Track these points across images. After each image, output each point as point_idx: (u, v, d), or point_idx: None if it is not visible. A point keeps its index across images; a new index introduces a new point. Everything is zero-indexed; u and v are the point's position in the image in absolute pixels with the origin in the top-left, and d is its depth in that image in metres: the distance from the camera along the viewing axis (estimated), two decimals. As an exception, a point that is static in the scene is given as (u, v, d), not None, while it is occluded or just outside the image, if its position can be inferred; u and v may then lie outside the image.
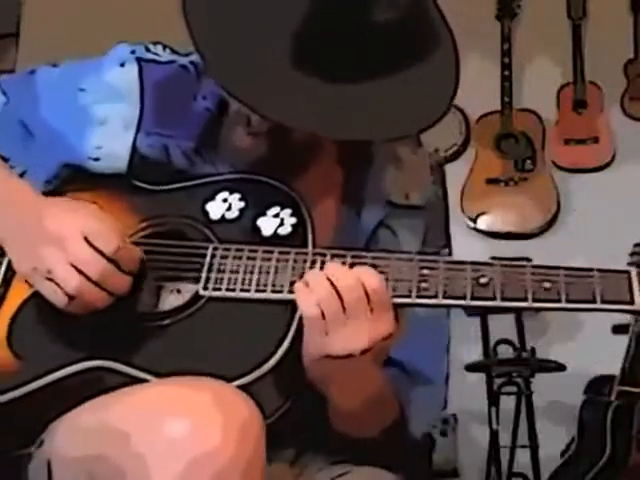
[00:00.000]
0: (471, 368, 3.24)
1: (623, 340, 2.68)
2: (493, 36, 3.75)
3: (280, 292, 1.05)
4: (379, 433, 1.16)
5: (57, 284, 1.04)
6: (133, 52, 1.26)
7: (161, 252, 1.13)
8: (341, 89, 1.07)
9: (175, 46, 1.30)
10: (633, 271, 1.00)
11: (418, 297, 1.03)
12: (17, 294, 1.13)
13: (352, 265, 1.04)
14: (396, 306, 1.03)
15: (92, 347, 1.07)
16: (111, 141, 1.22)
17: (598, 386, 2.86)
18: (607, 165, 3.61)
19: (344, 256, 1.06)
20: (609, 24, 3.68)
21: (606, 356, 2.74)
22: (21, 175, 1.24)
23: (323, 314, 0.99)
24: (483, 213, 3.64)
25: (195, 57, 1.24)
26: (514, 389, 3.21)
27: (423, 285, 1.03)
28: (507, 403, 3.22)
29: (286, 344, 1.03)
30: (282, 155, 1.18)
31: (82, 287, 1.03)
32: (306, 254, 1.07)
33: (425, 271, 1.04)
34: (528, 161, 3.65)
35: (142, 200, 1.19)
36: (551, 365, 3.18)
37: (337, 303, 0.99)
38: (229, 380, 0.99)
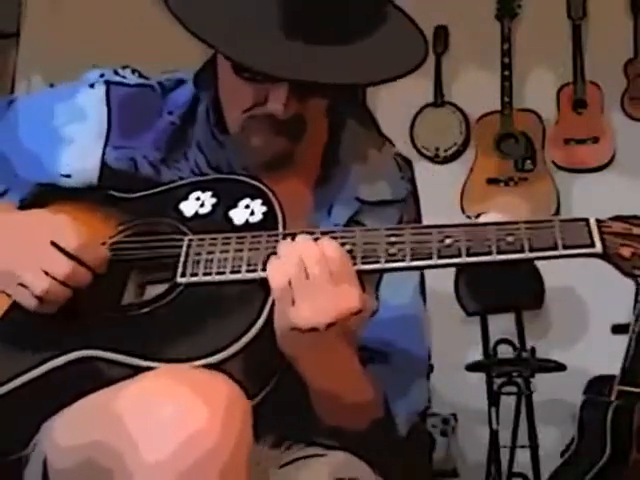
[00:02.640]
0: (471, 368, 3.24)
1: (623, 340, 2.68)
2: (493, 36, 3.75)
3: (254, 271, 1.06)
4: (365, 427, 1.18)
5: (27, 288, 1.10)
6: (102, 75, 1.33)
7: (139, 248, 1.17)
8: (323, 49, 1.12)
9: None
10: (592, 219, 1.03)
11: (387, 262, 1.05)
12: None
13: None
14: (367, 273, 1.06)
15: (74, 341, 1.09)
16: (80, 158, 1.28)
17: (598, 386, 2.86)
18: (607, 165, 3.61)
19: (313, 232, 1.08)
20: (609, 24, 3.68)
21: (606, 356, 2.74)
22: (3, 194, 1.32)
23: (290, 283, 1.02)
24: (483, 213, 3.63)
25: (162, 77, 1.33)
26: (514, 389, 3.22)
27: (391, 250, 1.05)
28: (507, 403, 3.22)
29: (261, 321, 1.04)
30: (255, 158, 1.23)
31: (50, 288, 1.09)
32: (277, 235, 1.09)
33: (392, 238, 1.06)
34: (528, 161, 3.65)
35: (118, 208, 1.24)
36: (551, 365, 3.18)
37: (303, 273, 1.02)
38: (205, 357, 1.02)
